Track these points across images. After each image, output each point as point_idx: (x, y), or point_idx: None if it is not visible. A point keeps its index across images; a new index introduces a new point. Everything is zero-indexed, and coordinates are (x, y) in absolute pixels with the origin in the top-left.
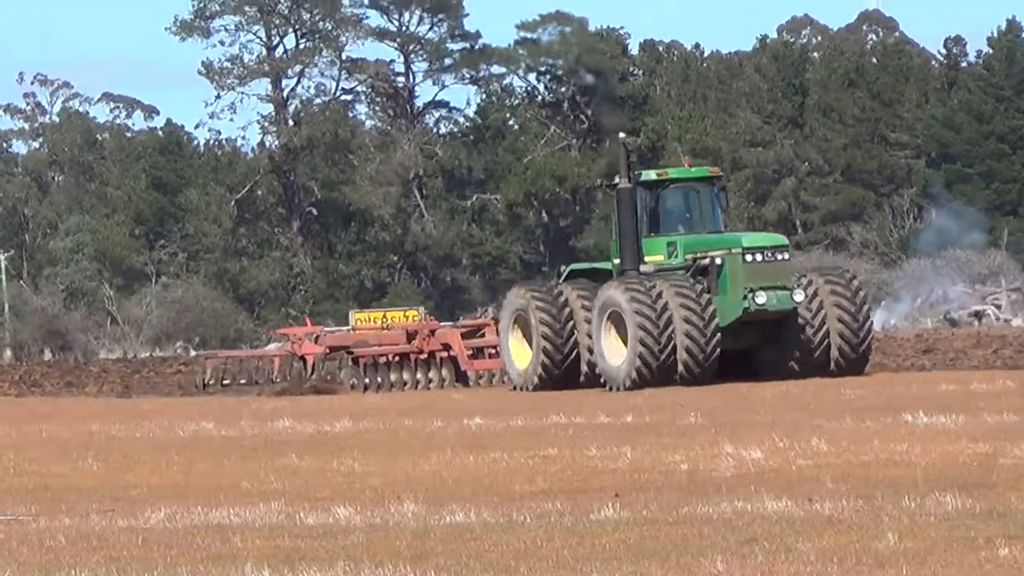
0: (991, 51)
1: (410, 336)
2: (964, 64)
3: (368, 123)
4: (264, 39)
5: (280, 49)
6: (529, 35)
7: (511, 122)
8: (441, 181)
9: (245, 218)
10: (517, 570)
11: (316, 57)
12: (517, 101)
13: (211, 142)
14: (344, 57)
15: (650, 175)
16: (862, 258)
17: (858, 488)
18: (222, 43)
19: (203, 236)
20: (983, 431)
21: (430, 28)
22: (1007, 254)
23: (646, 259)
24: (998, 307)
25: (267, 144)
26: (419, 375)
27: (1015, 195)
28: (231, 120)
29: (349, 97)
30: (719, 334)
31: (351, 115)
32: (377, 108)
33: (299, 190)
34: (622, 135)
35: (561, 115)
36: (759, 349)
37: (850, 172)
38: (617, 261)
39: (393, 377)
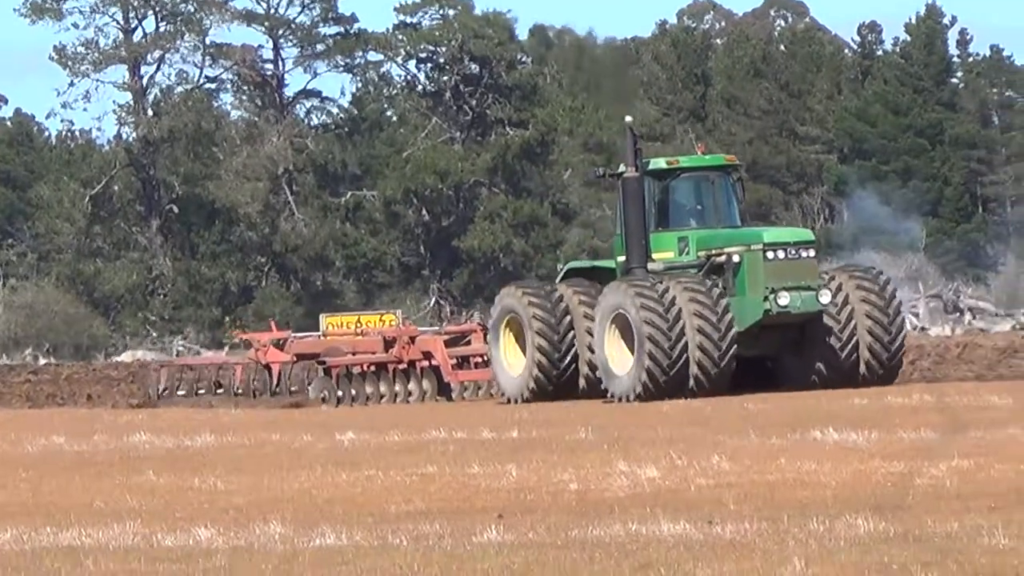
0: (909, 38)
1: (388, 343)
2: (880, 52)
3: (234, 113)
4: (121, 22)
5: (139, 33)
6: (409, 19)
7: (389, 113)
8: (312, 176)
9: (100, 216)
10: None
11: (177, 42)
12: (395, 91)
13: (64, 133)
14: (208, 42)
15: (659, 163)
16: None
17: (762, 510)
18: (76, 26)
19: (55, 235)
20: (898, 449)
21: (301, 11)
22: (925, 258)
23: (654, 256)
24: (915, 315)
25: (124, 136)
26: (397, 387)
27: (935, 194)
28: (85, 110)
29: (213, 85)
30: (736, 340)
31: (215, 105)
32: (244, 97)
33: (159, 185)
34: (628, 119)
35: (443, 106)
36: (779, 356)
37: (756, 168)
38: (622, 258)
39: (368, 389)
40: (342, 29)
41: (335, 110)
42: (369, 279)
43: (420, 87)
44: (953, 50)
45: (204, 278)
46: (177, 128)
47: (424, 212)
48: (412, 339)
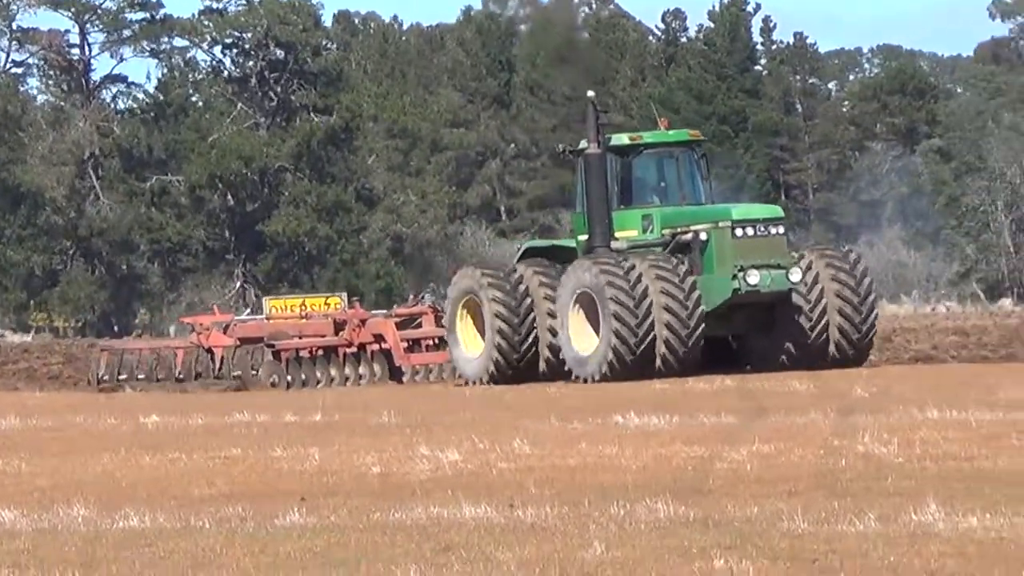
0: (712, 26)
1: (338, 327)
2: (684, 40)
3: (40, 98)
4: None
5: None
6: (215, 5)
7: (195, 98)
8: (118, 161)
9: None
10: None
11: None
12: (201, 76)
13: None
14: (15, 27)
15: (622, 139)
16: None
17: (563, 494)
18: None
19: None
20: (699, 433)
21: None
22: None
23: (617, 234)
24: None
25: None
26: (348, 370)
27: (738, 181)
28: None
29: (20, 70)
30: (704, 320)
31: (22, 89)
32: (50, 82)
33: None
34: (590, 93)
35: (248, 91)
36: (747, 337)
37: (559, 155)
38: (584, 237)
39: (319, 373)
40: (148, 15)
41: (141, 95)
42: (174, 263)
43: (226, 73)
44: (757, 37)
45: (10, 262)
46: None
47: (229, 197)
48: (362, 322)
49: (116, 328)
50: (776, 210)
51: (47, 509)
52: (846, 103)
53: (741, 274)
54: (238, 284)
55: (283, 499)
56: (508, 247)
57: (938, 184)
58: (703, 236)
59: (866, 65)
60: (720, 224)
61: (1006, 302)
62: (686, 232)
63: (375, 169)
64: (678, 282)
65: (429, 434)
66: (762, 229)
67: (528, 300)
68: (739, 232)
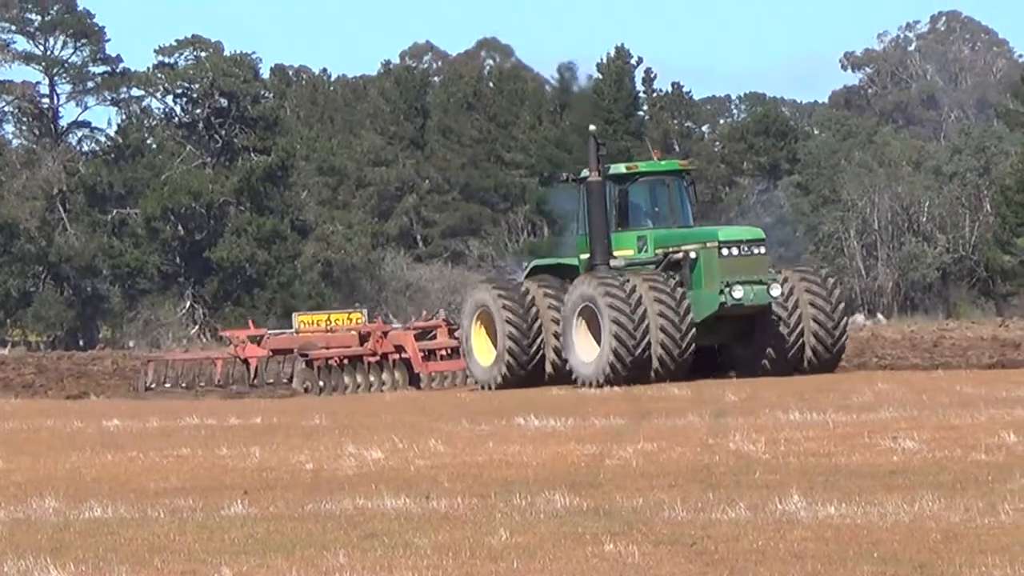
0: (601, 76)
1: (363, 338)
2: (576, 88)
3: (15, 141)
4: None
5: None
6: (167, 60)
7: (150, 141)
8: (83, 196)
9: None
10: (151, 563)
11: None
12: (155, 122)
13: None
14: None
15: (619, 168)
16: (479, 271)
17: (473, 487)
18: None
19: None
20: (591, 433)
21: (73, 52)
22: None
23: (615, 253)
24: None
25: None
26: (372, 377)
27: None
28: None
29: None
30: (694, 330)
31: None
32: (23, 127)
33: None
34: (592, 127)
35: (197, 135)
36: (731, 345)
37: (468, 190)
38: (585, 256)
39: (346, 380)
40: (109, 68)
41: (103, 138)
42: (132, 286)
43: (176, 119)
44: (640, 87)
45: None
46: None
47: (180, 227)
48: (384, 333)
49: (81, 343)
50: (759, 232)
51: (21, 502)
52: (717, 143)
53: (727, 289)
54: (188, 304)
55: (228, 492)
56: (424, 271)
57: (798, 215)
58: (693, 255)
59: (734, 110)
60: (708, 244)
61: (859, 317)
62: (677, 251)
63: (307, 202)
64: (671, 296)
65: (355, 435)
66: (746, 249)
67: (535, 312)
68: (725, 252)
